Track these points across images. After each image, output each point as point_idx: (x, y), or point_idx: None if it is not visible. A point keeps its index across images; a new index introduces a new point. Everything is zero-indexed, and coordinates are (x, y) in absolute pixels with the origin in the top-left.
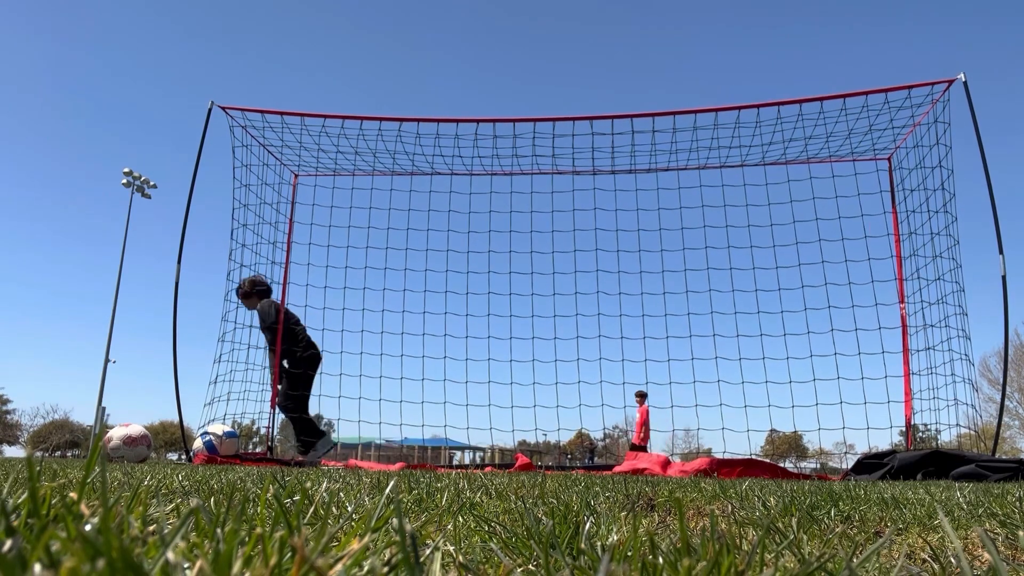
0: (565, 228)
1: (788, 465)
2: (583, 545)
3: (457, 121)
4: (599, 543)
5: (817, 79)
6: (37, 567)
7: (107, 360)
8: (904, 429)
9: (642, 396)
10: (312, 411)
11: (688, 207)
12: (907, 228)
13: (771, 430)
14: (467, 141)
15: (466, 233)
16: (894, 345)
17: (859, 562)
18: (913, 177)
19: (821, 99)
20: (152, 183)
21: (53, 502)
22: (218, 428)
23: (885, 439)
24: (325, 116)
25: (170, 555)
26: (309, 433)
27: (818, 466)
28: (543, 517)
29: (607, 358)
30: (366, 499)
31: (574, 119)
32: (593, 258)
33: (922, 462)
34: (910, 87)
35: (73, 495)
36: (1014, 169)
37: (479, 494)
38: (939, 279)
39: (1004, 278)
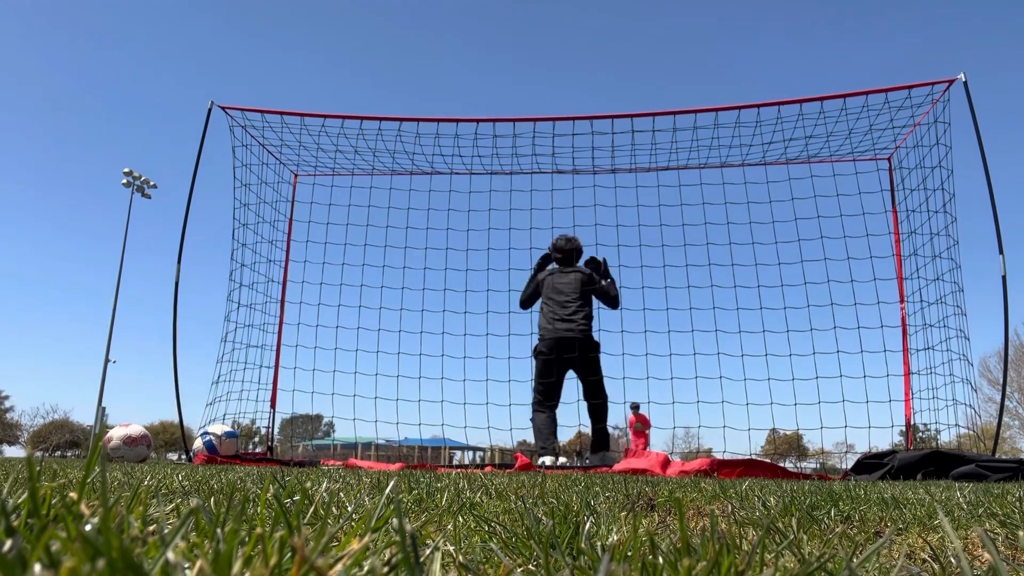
0: (565, 224)
1: (788, 465)
2: (583, 545)
3: (457, 121)
4: (599, 543)
5: (817, 79)
6: (37, 567)
7: (107, 360)
8: (904, 429)
9: (635, 407)
10: (312, 410)
11: (688, 204)
12: (907, 228)
13: (772, 429)
14: (467, 140)
15: (465, 231)
16: (894, 344)
17: (859, 562)
18: (913, 177)
19: (821, 99)
20: (152, 183)
21: (53, 502)
22: (218, 428)
23: (885, 439)
24: (325, 116)
25: (170, 555)
26: None
27: (818, 466)
28: (543, 517)
29: (607, 352)
30: (366, 499)
31: (574, 119)
32: (593, 253)
33: (922, 462)
34: (910, 87)
35: (73, 495)
36: (1015, 169)
37: (479, 494)
38: (938, 279)
39: (1004, 278)
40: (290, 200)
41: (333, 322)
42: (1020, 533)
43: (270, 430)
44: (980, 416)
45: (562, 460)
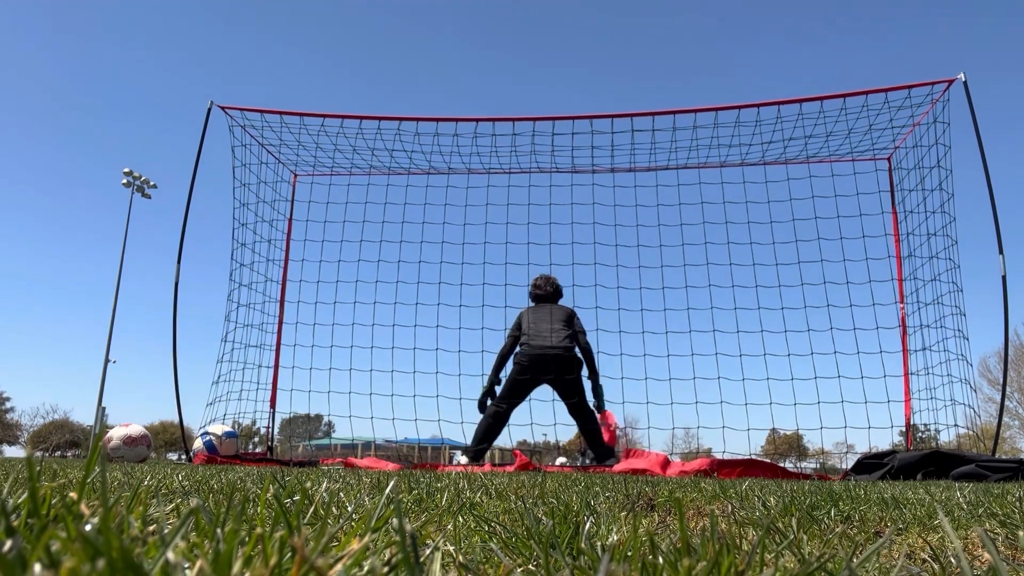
0: (563, 221)
1: (788, 465)
2: (583, 545)
3: (456, 120)
4: (599, 543)
5: (817, 79)
6: (37, 567)
7: (107, 360)
8: (904, 429)
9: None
10: (311, 410)
11: (687, 203)
12: (906, 228)
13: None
14: (466, 140)
15: (462, 225)
16: (893, 344)
17: (859, 562)
18: (912, 177)
19: (821, 99)
20: (152, 183)
21: (53, 502)
22: (218, 428)
23: (885, 439)
24: (324, 116)
25: (170, 555)
26: None
27: (818, 466)
28: (543, 517)
29: (605, 351)
30: (366, 499)
31: (573, 118)
32: (591, 251)
33: (922, 462)
34: (910, 87)
35: (73, 495)
36: (1015, 169)
37: (479, 494)
38: (936, 279)
39: (1004, 278)
40: (289, 200)
41: (330, 320)
42: (1020, 533)
43: (270, 430)
44: (980, 416)
45: (561, 460)
